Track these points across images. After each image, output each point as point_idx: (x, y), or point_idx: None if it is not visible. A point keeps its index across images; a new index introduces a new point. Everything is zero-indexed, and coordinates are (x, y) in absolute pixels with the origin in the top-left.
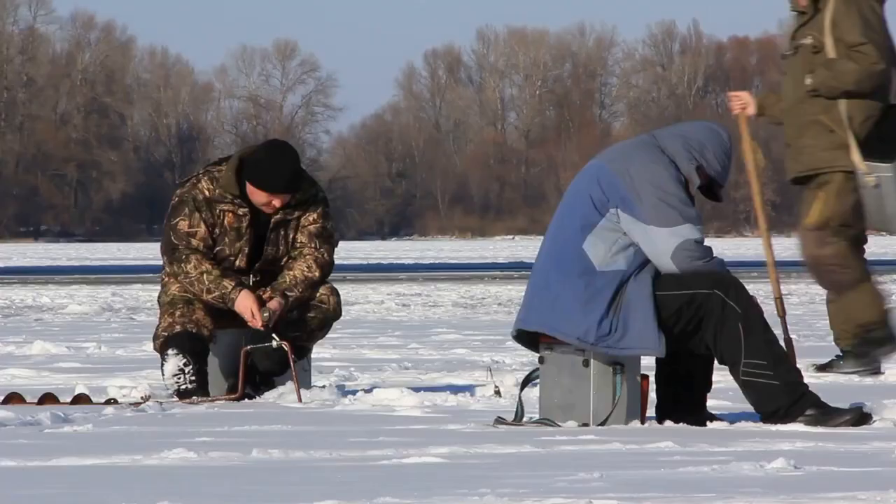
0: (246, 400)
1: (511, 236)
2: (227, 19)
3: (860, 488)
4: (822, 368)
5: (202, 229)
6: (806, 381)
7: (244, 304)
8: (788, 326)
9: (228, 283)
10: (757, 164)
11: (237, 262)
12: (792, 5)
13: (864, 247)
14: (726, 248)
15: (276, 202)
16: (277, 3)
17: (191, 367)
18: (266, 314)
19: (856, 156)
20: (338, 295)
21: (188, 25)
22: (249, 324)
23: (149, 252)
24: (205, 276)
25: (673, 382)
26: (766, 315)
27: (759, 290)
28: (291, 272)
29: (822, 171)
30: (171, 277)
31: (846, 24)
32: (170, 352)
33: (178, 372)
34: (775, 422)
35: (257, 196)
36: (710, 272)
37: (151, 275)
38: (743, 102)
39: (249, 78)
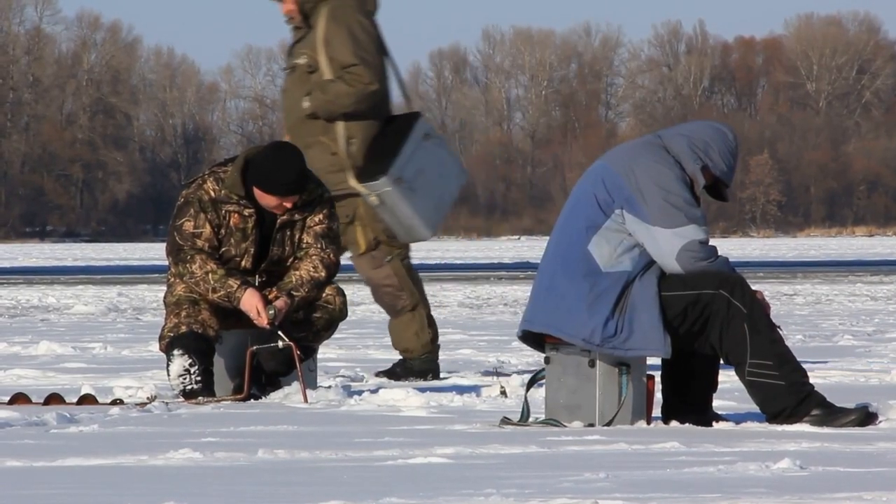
0: (252, 400)
1: (517, 236)
2: (233, 19)
3: (866, 489)
4: (381, 374)
5: (207, 230)
6: (811, 381)
7: (250, 302)
8: (795, 327)
9: (234, 282)
10: None
11: (243, 263)
12: (287, 19)
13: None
14: (732, 248)
15: (287, 203)
16: None
17: (196, 367)
18: (272, 312)
19: (351, 180)
20: (344, 295)
21: (194, 26)
22: (255, 322)
23: (154, 252)
24: (210, 275)
25: (678, 383)
26: (771, 314)
27: (765, 289)
28: (297, 272)
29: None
30: (177, 278)
31: (337, 44)
32: (175, 352)
33: (183, 372)
34: (781, 422)
35: (266, 200)
36: (715, 272)
37: (157, 275)
38: None
39: (255, 78)
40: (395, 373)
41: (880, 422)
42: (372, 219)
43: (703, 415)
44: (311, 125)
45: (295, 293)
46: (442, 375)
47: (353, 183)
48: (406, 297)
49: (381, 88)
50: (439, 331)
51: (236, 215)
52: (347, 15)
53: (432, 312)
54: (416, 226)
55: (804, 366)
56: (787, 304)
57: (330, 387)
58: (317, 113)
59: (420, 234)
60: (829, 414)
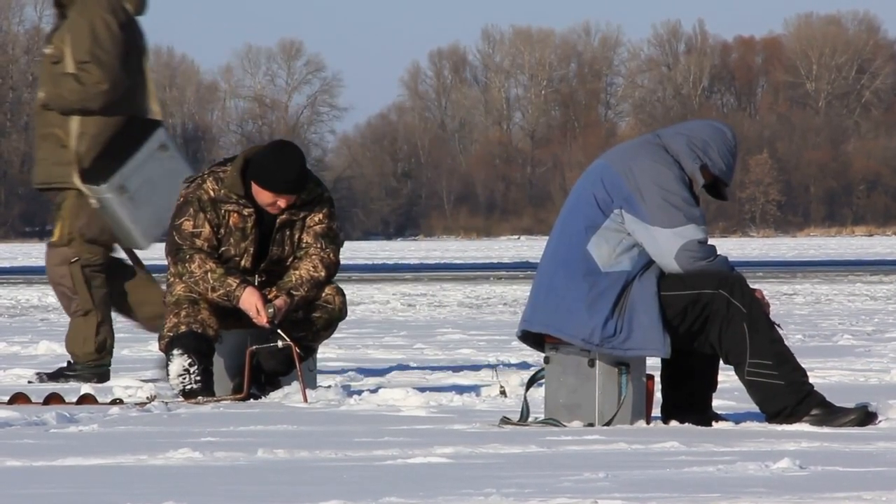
0: (251, 400)
1: (516, 236)
2: (233, 19)
3: (865, 488)
4: (52, 376)
5: (207, 230)
6: (811, 380)
7: (249, 300)
8: (795, 327)
9: (233, 281)
10: None
11: (242, 263)
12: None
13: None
14: (731, 247)
15: (282, 202)
16: (283, 2)
17: (196, 367)
18: (271, 310)
19: (75, 177)
20: (343, 295)
21: (194, 25)
22: (255, 320)
23: (154, 252)
24: (209, 274)
25: (678, 382)
26: (771, 314)
27: (764, 289)
28: (297, 272)
29: (54, 185)
30: (176, 277)
31: (77, 39)
32: (175, 352)
33: (183, 372)
34: (780, 422)
35: (263, 196)
36: (715, 271)
37: (156, 275)
38: None
39: (255, 78)
40: (61, 374)
41: (880, 421)
42: (75, 216)
43: (703, 414)
44: (48, 116)
45: (294, 292)
46: (440, 375)
47: (75, 180)
48: (78, 302)
49: (112, 88)
50: (439, 329)
51: (235, 215)
52: (93, 11)
53: (413, 315)
54: (132, 236)
55: (804, 365)
56: (787, 303)
57: (330, 386)
58: (49, 105)
59: (136, 244)
60: (829, 413)
